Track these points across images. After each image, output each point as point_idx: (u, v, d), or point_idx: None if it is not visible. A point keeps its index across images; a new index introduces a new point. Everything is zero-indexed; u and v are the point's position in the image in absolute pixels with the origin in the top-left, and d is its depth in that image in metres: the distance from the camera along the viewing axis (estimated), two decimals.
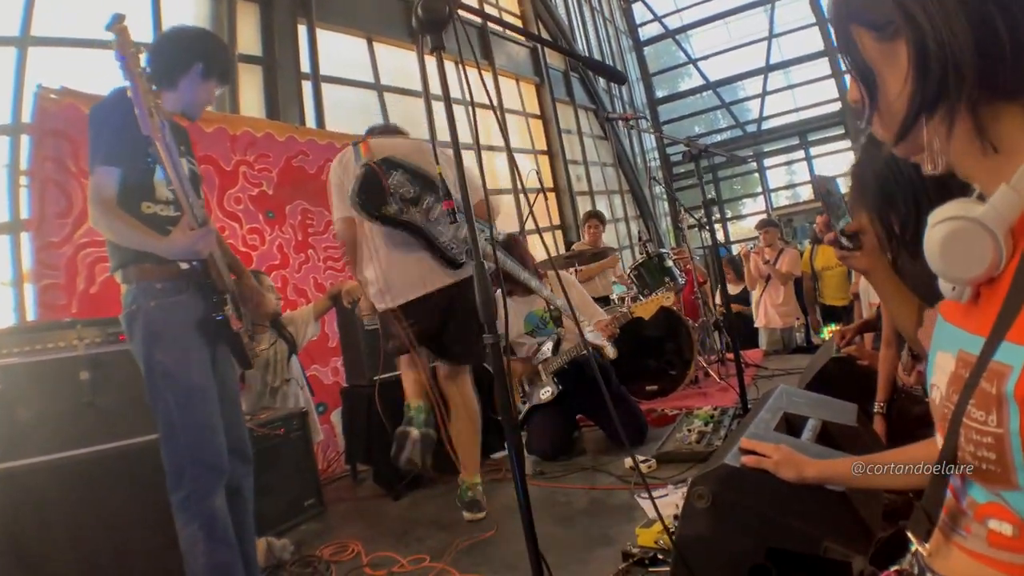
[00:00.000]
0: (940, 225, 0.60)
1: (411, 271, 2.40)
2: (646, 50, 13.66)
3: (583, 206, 8.79)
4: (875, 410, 1.88)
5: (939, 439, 0.65)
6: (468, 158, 1.32)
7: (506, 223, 7.00)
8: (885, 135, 0.64)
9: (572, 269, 4.77)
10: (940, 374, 0.66)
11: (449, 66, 1.29)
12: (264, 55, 4.93)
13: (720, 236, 4.53)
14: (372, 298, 2.53)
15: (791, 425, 1.49)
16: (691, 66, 13.38)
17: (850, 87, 0.66)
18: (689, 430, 2.81)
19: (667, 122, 13.61)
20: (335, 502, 2.92)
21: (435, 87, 1.26)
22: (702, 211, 3.09)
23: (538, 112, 9.06)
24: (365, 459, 3.16)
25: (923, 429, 0.82)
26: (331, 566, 2.16)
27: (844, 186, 1.47)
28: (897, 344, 1.84)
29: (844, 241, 1.26)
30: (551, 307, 3.28)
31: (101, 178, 1.65)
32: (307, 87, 5.20)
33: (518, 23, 8.92)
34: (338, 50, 5.75)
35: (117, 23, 1.52)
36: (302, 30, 5.27)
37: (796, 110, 12.45)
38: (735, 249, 8.10)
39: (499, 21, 2.06)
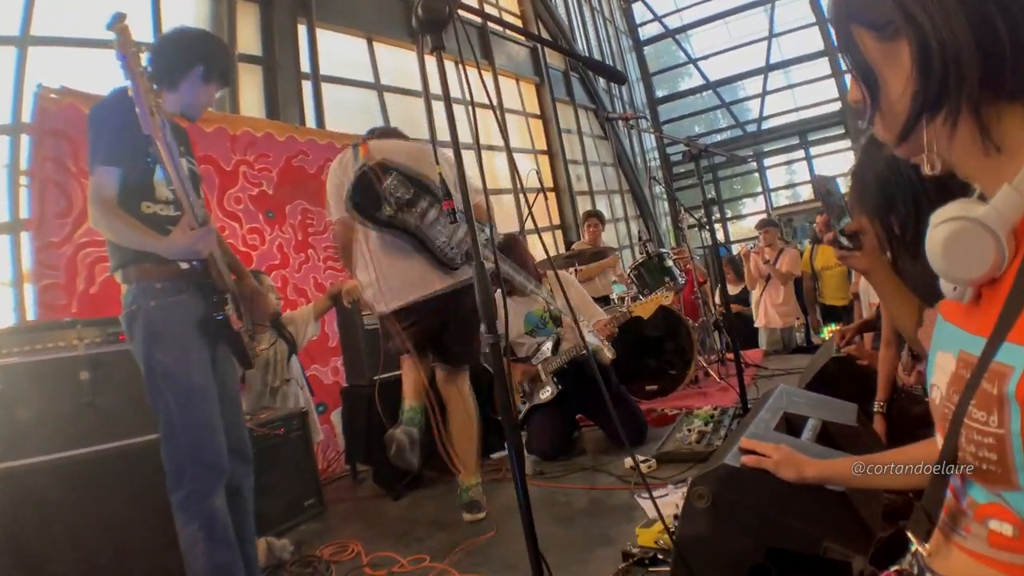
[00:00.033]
0: (942, 226, 0.59)
1: (406, 275, 2.40)
2: (646, 50, 13.66)
3: (583, 206, 8.79)
4: (875, 410, 1.88)
5: (939, 439, 0.65)
6: (468, 158, 1.31)
7: (506, 223, 7.01)
8: (887, 136, 0.64)
9: (572, 269, 4.77)
10: (940, 374, 0.66)
11: (449, 66, 1.29)
12: (264, 55, 4.93)
13: (720, 236, 4.52)
14: (368, 300, 2.53)
15: (791, 425, 1.49)
16: (691, 66, 13.38)
17: (851, 87, 0.65)
18: (689, 430, 2.81)
19: (667, 122, 13.61)
20: (335, 502, 2.93)
21: (435, 87, 1.26)
22: (702, 211, 3.09)
23: (538, 112, 9.06)
24: (365, 459, 3.16)
25: (923, 429, 0.82)
26: (331, 566, 2.16)
27: (844, 186, 1.47)
28: (897, 344, 1.84)
29: (844, 241, 1.26)
30: (550, 307, 3.28)
31: (101, 178, 1.65)
32: (307, 87, 5.20)
33: (518, 23, 8.92)
34: (338, 50, 5.75)
35: (118, 22, 1.53)
36: (302, 30, 5.27)
37: (796, 110, 12.45)
38: (735, 249, 8.09)
39: (499, 21, 2.06)
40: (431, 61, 1.32)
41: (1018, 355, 0.53)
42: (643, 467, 2.54)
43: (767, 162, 12.88)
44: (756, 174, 13.06)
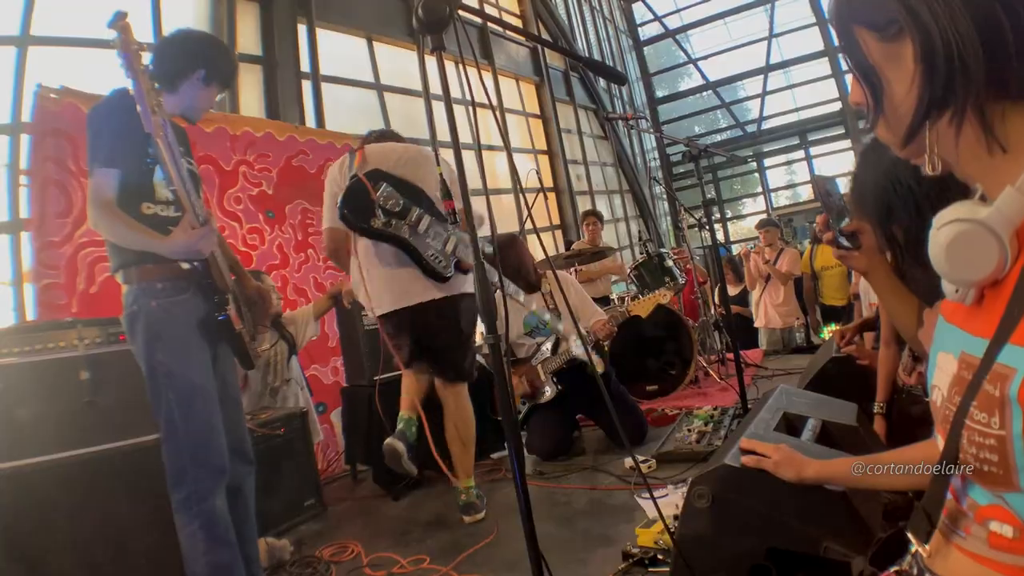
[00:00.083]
0: (945, 228, 0.59)
1: (394, 283, 2.40)
2: (646, 50, 13.66)
3: (583, 206, 8.78)
4: (875, 411, 1.88)
5: (940, 440, 0.65)
6: (468, 158, 1.32)
7: (506, 223, 7.00)
8: (891, 138, 0.63)
9: (572, 268, 4.77)
10: (941, 375, 0.66)
11: (449, 66, 1.29)
12: (264, 55, 4.93)
13: (720, 236, 4.52)
14: (362, 302, 2.53)
15: (791, 425, 1.49)
16: (691, 66, 13.38)
17: (852, 89, 0.65)
18: (689, 430, 2.81)
19: (667, 122, 13.61)
20: (335, 502, 2.93)
21: (435, 87, 1.26)
22: (702, 211, 3.08)
23: (538, 112, 9.06)
24: (365, 459, 3.16)
25: (923, 429, 0.82)
26: (331, 566, 2.16)
27: (843, 186, 1.47)
28: (896, 344, 1.84)
29: (843, 241, 1.26)
30: (549, 308, 3.28)
31: (100, 179, 1.65)
32: (307, 87, 5.20)
33: (518, 23, 8.92)
34: (338, 50, 5.75)
35: (119, 20, 1.53)
36: (302, 30, 5.27)
37: (796, 110, 12.45)
38: (735, 249, 8.10)
39: (499, 21, 2.05)
40: (431, 61, 1.32)
41: (1020, 357, 0.53)
42: (643, 467, 2.54)
43: (767, 162, 12.88)
44: (756, 174, 13.07)
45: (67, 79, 3.08)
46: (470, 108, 1.41)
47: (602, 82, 10.71)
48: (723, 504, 1.21)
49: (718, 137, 13.32)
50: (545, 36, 9.19)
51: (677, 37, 13.21)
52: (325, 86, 5.37)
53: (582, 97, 10.23)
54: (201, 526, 1.65)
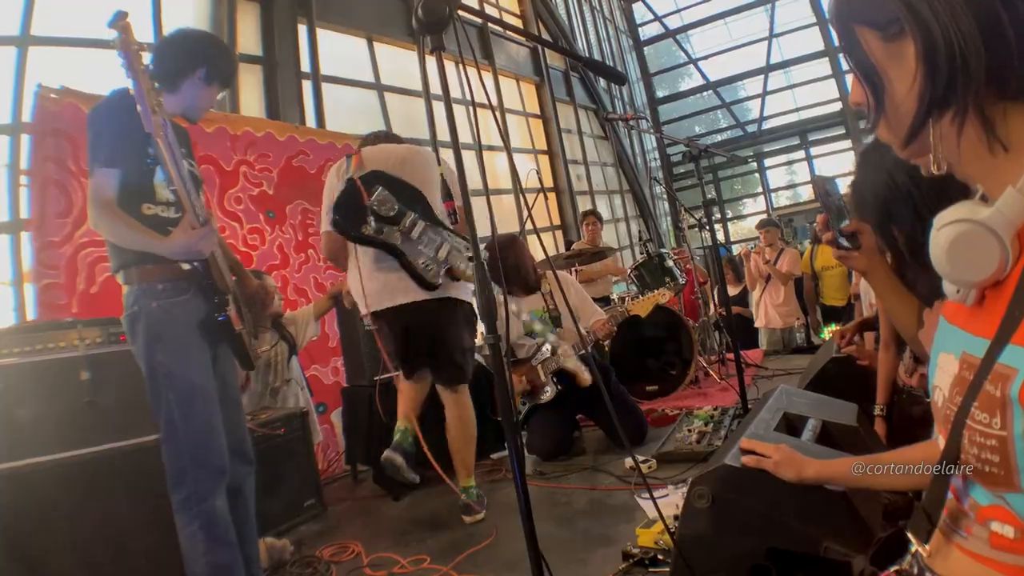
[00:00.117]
0: (946, 228, 0.59)
1: (385, 285, 2.39)
2: (646, 50, 13.66)
3: (583, 206, 8.78)
4: (875, 413, 1.88)
5: (940, 440, 0.65)
6: (468, 158, 1.32)
7: (506, 223, 6.99)
8: (892, 138, 0.63)
9: (572, 268, 4.77)
10: (943, 376, 0.66)
11: (449, 66, 1.29)
12: (264, 55, 4.93)
13: (720, 236, 4.52)
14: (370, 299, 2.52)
15: (791, 425, 1.49)
16: (691, 66, 13.38)
17: (853, 89, 0.65)
18: (689, 430, 2.81)
19: (667, 122, 13.61)
20: (335, 502, 2.93)
21: (435, 87, 1.26)
22: (702, 211, 3.08)
23: (538, 112, 9.06)
24: (365, 459, 3.16)
25: (923, 430, 0.82)
26: (331, 566, 2.16)
27: (843, 186, 1.47)
28: (896, 346, 1.84)
29: (843, 241, 1.26)
30: (549, 308, 3.28)
31: (100, 179, 1.65)
32: (307, 87, 5.20)
33: (518, 23, 8.92)
34: (338, 50, 5.75)
35: (120, 19, 1.53)
36: (302, 30, 5.27)
37: (796, 110, 12.45)
38: (735, 249, 8.10)
39: (499, 22, 2.04)
40: (431, 61, 1.33)
41: (1021, 357, 0.53)
42: (643, 467, 2.53)
43: (767, 162, 12.89)
44: (756, 174, 13.07)
45: (67, 79, 3.08)
46: (470, 108, 1.41)
47: (602, 82, 10.71)
48: (723, 504, 1.21)
49: (718, 137, 13.33)
50: (545, 36, 9.19)
51: (677, 37, 13.21)
52: (325, 86, 5.37)
53: (582, 97, 10.23)
54: (201, 526, 1.65)
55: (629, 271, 4.92)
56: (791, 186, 13.19)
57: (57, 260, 2.92)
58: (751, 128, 12.81)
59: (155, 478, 1.73)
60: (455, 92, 1.28)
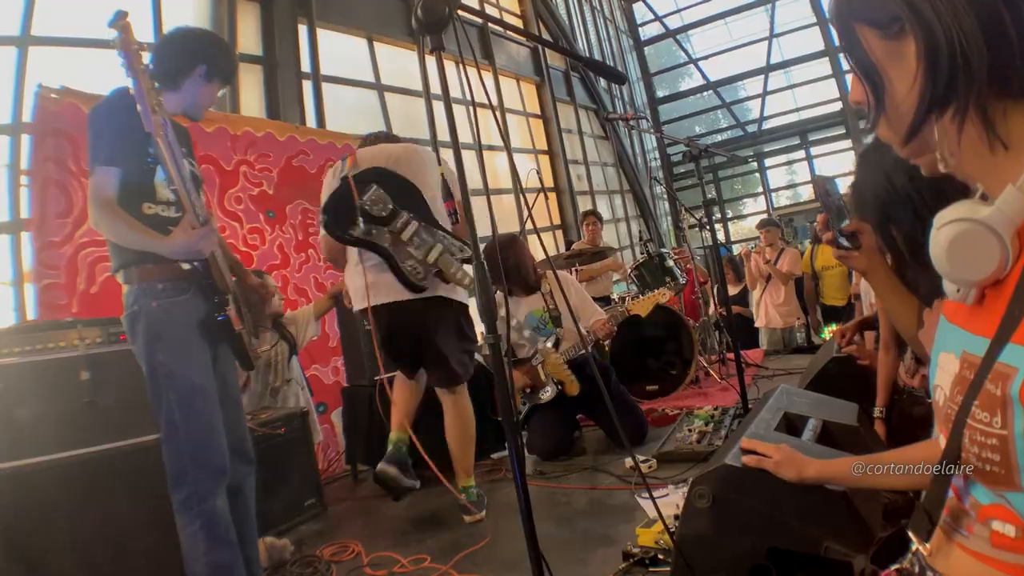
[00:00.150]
0: (946, 227, 0.59)
1: (379, 282, 2.38)
2: (646, 50, 13.67)
3: (583, 206, 8.79)
4: (876, 414, 1.88)
5: (941, 440, 0.65)
6: (468, 158, 1.32)
7: (506, 223, 6.99)
8: (892, 137, 0.63)
9: (572, 268, 4.77)
10: (944, 375, 0.66)
11: (449, 66, 1.29)
12: (264, 55, 4.93)
13: (720, 236, 4.52)
14: (353, 297, 2.51)
15: (791, 425, 1.49)
16: (692, 66, 13.38)
17: (853, 88, 0.64)
18: (689, 430, 2.80)
19: (667, 122, 13.62)
20: (335, 502, 2.93)
21: (435, 87, 1.27)
22: (702, 211, 3.09)
23: (538, 112, 9.06)
24: (365, 459, 3.16)
25: (924, 430, 0.82)
26: (331, 566, 2.16)
27: (843, 186, 1.47)
28: (896, 347, 1.84)
29: (843, 241, 1.26)
30: (549, 308, 3.28)
31: (101, 178, 1.65)
32: (307, 87, 5.20)
33: (519, 23, 8.92)
34: (339, 50, 5.75)
35: (120, 19, 1.53)
36: (302, 30, 5.27)
37: (797, 110, 12.46)
38: (736, 249, 8.10)
39: (499, 21, 2.04)
40: (431, 61, 1.33)
41: (1022, 356, 0.53)
42: (643, 467, 2.53)
43: (768, 162, 12.89)
44: (757, 174, 13.07)
45: (67, 79, 3.08)
46: (470, 108, 1.41)
47: (603, 82, 10.71)
48: (724, 504, 1.21)
49: (719, 137, 13.33)
50: (545, 36, 9.19)
51: (678, 37, 13.22)
52: (325, 86, 5.38)
53: (583, 97, 10.23)
54: (202, 526, 1.65)
55: (629, 271, 4.92)
56: (791, 186, 13.19)
57: (57, 260, 2.92)
58: (751, 128, 12.81)
59: (155, 478, 1.73)
60: (455, 92, 1.28)
